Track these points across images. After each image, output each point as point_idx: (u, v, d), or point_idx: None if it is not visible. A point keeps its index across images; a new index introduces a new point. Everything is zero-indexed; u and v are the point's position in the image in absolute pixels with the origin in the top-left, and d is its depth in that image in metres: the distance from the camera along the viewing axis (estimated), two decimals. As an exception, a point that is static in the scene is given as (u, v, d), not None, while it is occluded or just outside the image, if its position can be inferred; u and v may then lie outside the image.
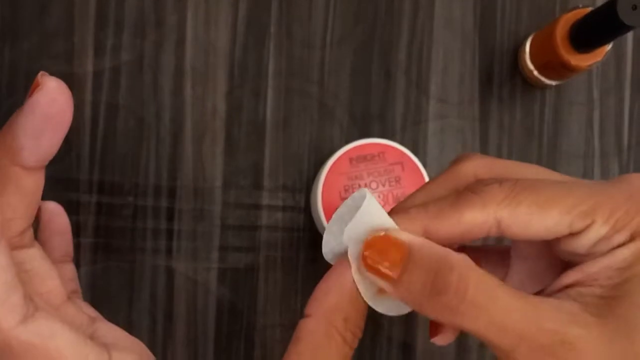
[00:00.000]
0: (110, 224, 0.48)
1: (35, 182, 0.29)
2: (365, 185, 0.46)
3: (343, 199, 0.46)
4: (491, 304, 0.23)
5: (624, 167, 0.52)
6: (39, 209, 0.37)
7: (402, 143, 0.47)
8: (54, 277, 0.31)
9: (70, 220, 0.47)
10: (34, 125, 0.27)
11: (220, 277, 0.48)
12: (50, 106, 0.27)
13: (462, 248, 0.33)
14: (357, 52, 0.50)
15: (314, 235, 0.49)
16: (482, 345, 0.50)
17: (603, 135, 0.52)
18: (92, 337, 0.30)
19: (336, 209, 0.46)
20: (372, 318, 0.49)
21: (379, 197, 0.46)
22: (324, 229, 0.46)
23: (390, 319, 0.49)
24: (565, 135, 0.52)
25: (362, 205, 0.26)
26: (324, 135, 0.50)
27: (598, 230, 0.25)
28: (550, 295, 0.26)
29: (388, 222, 0.26)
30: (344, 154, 0.46)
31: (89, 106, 0.48)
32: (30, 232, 0.30)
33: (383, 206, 0.47)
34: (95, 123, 0.48)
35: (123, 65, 0.48)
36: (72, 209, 0.47)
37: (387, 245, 0.25)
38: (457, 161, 0.29)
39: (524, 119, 0.51)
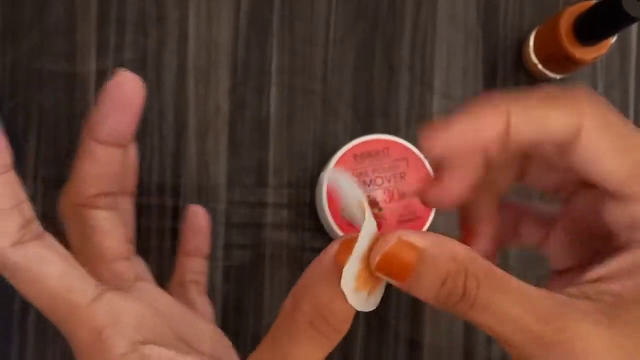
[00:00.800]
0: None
1: (107, 156, 0.34)
2: (371, 182, 0.46)
3: (348, 195, 0.46)
4: (502, 304, 0.23)
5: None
6: (187, 210, 0.45)
7: (406, 139, 0.47)
8: (115, 237, 0.35)
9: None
10: (104, 106, 0.33)
11: (226, 275, 0.48)
12: (117, 91, 0.32)
13: (508, 204, 0.32)
14: (360, 49, 0.50)
15: (320, 233, 0.49)
16: (490, 341, 0.50)
17: (608, 129, 0.52)
18: (119, 289, 0.33)
19: (341, 206, 0.46)
20: (379, 315, 0.49)
21: (384, 193, 0.46)
22: (329, 226, 0.46)
23: (398, 315, 0.49)
24: (570, 129, 0.51)
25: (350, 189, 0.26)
26: (328, 132, 0.49)
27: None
28: (567, 288, 0.26)
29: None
30: (349, 150, 0.46)
31: (92, 105, 0.47)
32: (107, 199, 0.35)
33: (389, 202, 0.47)
34: (99, 122, 0.48)
35: (126, 64, 0.48)
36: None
37: (402, 250, 0.24)
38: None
39: (528, 114, 0.51)
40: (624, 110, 0.52)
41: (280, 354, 0.26)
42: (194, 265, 0.44)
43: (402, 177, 0.46)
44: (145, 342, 0.31)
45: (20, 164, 0.39)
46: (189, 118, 0.48)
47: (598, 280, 0.25)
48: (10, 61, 0.47)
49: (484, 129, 0.26)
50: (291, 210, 0.49)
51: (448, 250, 0.24)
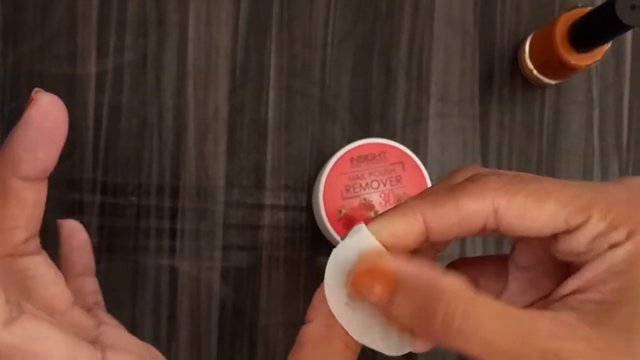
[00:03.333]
0: (113, 224, 0.48)
1: (36, 193, 0.29)
2: (367, 185, 0.47)
3: (344, 199, 0.46)
4: (480, 330, 0.23)
5: (624, 166, 0.52)
6: (59, 226, 0.39)
7: (402, 142, 0.47)
8: (59, 283, 0.31)
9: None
10: (29, 139, 0.28)
11: (223, 276, 0.49)
12: (44, 120, 0.28)
13: (461, 261, 0.33)
14: (358, 52, 0.50)
15: (316, 235, 0.49)
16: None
17: (603, 134, 0.52)
18: (94, 341, 0.31)
19: (337, 208, 0.46)
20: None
21: (380, 196, 0.47)
22: (325, 228, 0.46)
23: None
24: (565, 134, 0.52)
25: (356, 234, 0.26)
26: (326, 134, 0.50)
27: (595, 226, 0.25)
28: (549, 305, 0.26)
29: (380, 247, 0.26)
30: (345, 153, 0.47)
31: (92, 107, 0.48)
32: (36, 241, 0.31)
33: (384, 206, 0.48)
34: (99, 124, 0.48)
35: (126, 66, 0.48)
36: (75, 209, 0.48)
37: (376, 271, 0.25)
38: (453, 171, 0.29)
39: (524, 118, 0.52)
40: (618, 116, 0.52)
41: None
42: (88, 285, 0.39)
43: (398, 181, 0.47)
44: None
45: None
46: (188, 120, 0.49)
47: (576, 291, 0.25)
48: (12, 63, 0.48)
49: (404, 236, 0.26)
50: (288, 212, 0.49)
51: (428, 275, 0.24)
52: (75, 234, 0.39)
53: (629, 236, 0.24)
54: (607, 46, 0.46)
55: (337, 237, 0.46)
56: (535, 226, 0.25)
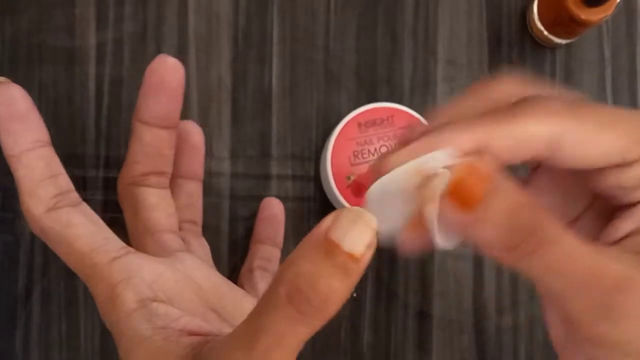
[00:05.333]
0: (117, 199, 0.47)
1: (152, 136, 0.37)
2: (375, 150, 0.46)
3: (353, 165, 0.45)
4: (571, 266, 0.22)
5: (639, 126, 0.51)
6: (262, 201, 0.47)
7: (411, 107, 0.46)
8: (162, 211, 0.38)
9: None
10: (144, 90, 0.36)
11: (231, 248, 0.48)
12: (154, 75, 0.36)
13: None
14: (362, 16, 0.49)
15: (325, 204, 0.48)
16: (500, 312, 0.49)
17: (616, 94, 0.51)
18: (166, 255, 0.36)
19: (346, 175, 0.45)
20: (388, 287, 0.48)
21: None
22: (334, 197, 0.45)
23: (406, 286, 0.48)
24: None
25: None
26: (332, 101, 0.49)
27: None
28: (605, 245, 0.25)
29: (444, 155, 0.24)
30: (352, 119, 0.46)
31: (92, 79, 0.47)
32: (157, 178, 0.38)
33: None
34: (100, 97, 0.47)
35: (126, 37, 0.47)
36: (78, 184, 0.46)
37: (474, 174, 0.23)
38: (486, 82, 0.27)
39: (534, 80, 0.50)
40: (631, 75, 0.51)
41: (257, 327, 0.24)
42: (263, 252, 0.45)
43: (407, 145, 0.46)
44: (155, 299, 0.31)
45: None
46: (191, 90, 0.48)
47: (632, 233, 0.24)
48: (9, 36, 0.47)
49: (530, 148, 0.25)
50: (295, 182, 0.48)
51: (521, 192, 0.23)
52: (270, 207, 0.47)
53: None
54: (619, -1, 0.45)
55: (347, 205, 0.45)
56: (592, 155, 0.24)
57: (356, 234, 0.22)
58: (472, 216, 0.23)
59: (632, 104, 0.51)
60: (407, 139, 0.26)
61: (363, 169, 0.45)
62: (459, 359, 0.49)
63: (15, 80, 0.47)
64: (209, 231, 0.47)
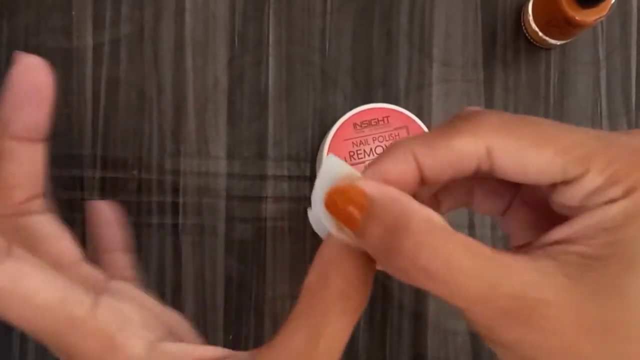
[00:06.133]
0: (115, 199, 0.47)
1: (30, 153, 0.31)
2: (371, 151, 0.46)
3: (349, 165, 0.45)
4: (447, 270, 0.22)
5: (633, 127, 0.51)
6: (89, 207, 0.40)
7: (406, 108, 0.46)
8: (65, 239, 0.32)
9: (74, 196, 0.47)
10: (13, 99, 0.29)
11: (228, 248, 0.48)
12: (25, 80, 0.29)
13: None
14: (358, 17, 0.49)
15: (321, 205, 0.48)
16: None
17: (610, 95, 0.51)
18: (101, 292, 0.29)
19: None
20: (383, 286, 0.49)
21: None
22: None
23: (401, 286, 0.49)
24: (572, 96, 0.51)
25: (328, 162, 0.25)
26: (327, 102, 0.49)
27: (592, 181, 0.23)
28: (530, 251, 0.24)
29: (354, 172, 0.25)
30: (348, 119, 0.46)
31: (89, 80, 0.47)
32: (40, 201, 0.31)
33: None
34: (97, 97, 0.47)
35: (123, 38, 0.48)
36: (75, 184, 0.47)
37: (351, 192, 0.24)
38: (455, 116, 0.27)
39: (529, 81, 0.51)
40: (625, 76, 0.51)
41: (313, 331, 0.25)
42: (117, 261, 0.39)
43: (402, 146, 0.46)
44: (161, 339, 0.30)
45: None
46: (188, 92, 0.48)
47: (561, 241, 0.24)
48: (7, 38, 0.47)
49: (395, 175, 0.24)
50: (292, 182, 0.49)
51: (399, 205, 0.23)
52: (99, 212, 0.40)
53: (626, 193, 0.23)
54: (613, 0, 0.45)
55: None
56: (531, 172, 0.24)
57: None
58: (351, 231, 0.24)
59: (626, 105, 0.51)
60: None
61: (359, 169, 0.45)
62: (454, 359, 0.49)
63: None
64: (206, 232, 0.48)
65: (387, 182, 0.24)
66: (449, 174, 0.25)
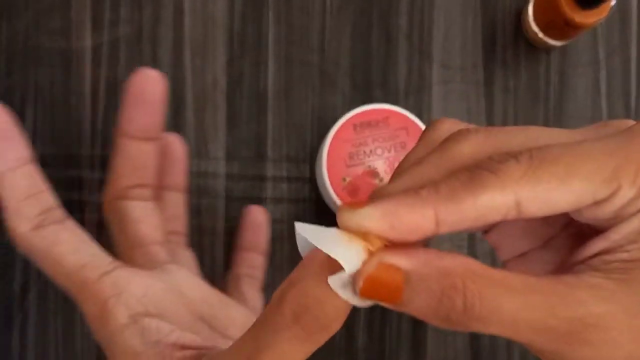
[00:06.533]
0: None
1: (136, 150, 0.37)
2: (371, 152, 0.46)
3: (348, 166, 0.45)
4: (500, 310, 0.22)
5: (633, 128, 0.51)
6: (245, 209, 0.47)
7: (405, 109, 0.46)
8: (148, 224, 0.37)
9: (73, 197, 0.47)
10: (127, 103, 0.36)
11: (227, 249, 0.48)
12: (136, 88, 0.36)
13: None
14: (357, 18, 0.49)
15: (320, 206, 0.48)
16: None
17: (610, 96, 0.51)
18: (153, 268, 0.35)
19: (341, 177, 0.45)
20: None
21: (385, 163, 0.46)
22: (330, 198, 0.45)
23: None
24: (571, 97, 0.51)
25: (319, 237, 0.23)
26: (327, 103, 0.49)
27: (625, 195, 0.23)
28: (571, 268, 0.24)
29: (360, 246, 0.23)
30: (348, 120, 0.46)
31: (88, 81, 0.47)
32: (142, 191, 0.38)
33: (389, 173, 0.47)
34: (96, 98, 0.47)
35: (121, 39, 0.48)
36: (74, 185, 0.47)
37: (385, 276, 0.22)
38: (449, 140, 0.26)
39: (529, 82, 0.51)
40: (625, 77, 0.51)
41: (260, 345, 0.24)
42: (250, 259, 0.46)
43: (402, 147, 0.46)
44: (147, 314, 0.31)
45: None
46: (186, 92, 0.48)
47: (601, 253, 0.24)
48: (6, 39, 0.47)
49: (410, 232, 0.23)
50: (291, 184, 0.49)
51: (437, 266, 0.22)
52: (254, 214, 0.46)
53: None
54: (613, 2, 0.45)
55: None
56: (560, 208, 0.23)
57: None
58: (399, 308, 0.23)
59: (626, 106, 0.51)
60: (372, 195, 0.25)
61: (359, 170, 0.46)
62: (453, 360, 0.49)
63: (12, 81, 0.47)
64: (205, 232, 0.48)
65: (395, 230, 0.23)
66: (469, 226, 0.24)
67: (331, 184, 0.45)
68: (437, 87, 0.50)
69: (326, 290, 0.23)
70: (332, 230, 0.23)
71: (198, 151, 0.48)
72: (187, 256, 0.42)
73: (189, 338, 0.30)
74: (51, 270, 0.33)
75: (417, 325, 0.49)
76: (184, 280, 0.36)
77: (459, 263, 0.22)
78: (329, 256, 0.22)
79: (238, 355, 0.25)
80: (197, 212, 0.48)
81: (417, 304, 0.22)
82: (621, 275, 0.23)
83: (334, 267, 0.22)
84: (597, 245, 0.24)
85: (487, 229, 0.29)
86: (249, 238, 0.46)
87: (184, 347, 0.30)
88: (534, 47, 0.51)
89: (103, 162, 0.47)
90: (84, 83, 0.47)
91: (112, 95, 0.47)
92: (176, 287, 0.34)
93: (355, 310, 0.47)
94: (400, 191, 0.23)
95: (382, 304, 0.23)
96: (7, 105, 0.36)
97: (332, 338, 0.49)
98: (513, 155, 0.23)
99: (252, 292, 0.44)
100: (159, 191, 0.42)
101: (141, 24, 0.48)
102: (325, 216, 0.48)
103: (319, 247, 0.23)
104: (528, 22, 0.49)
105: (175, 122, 0.48)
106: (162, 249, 0.38)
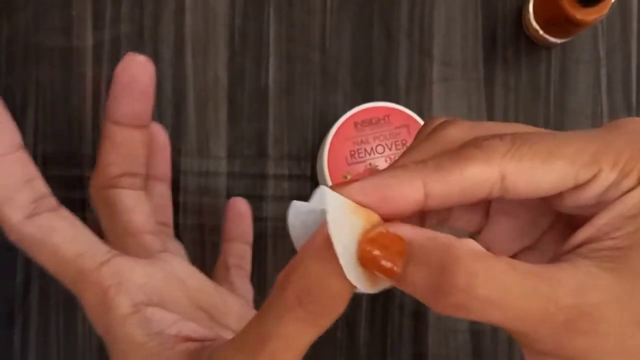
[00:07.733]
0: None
1: (125, 137, 0.35)
2: (372, 150, 0.46)
3: (349, 164, 0.45)
4: (504, 295, 0.22)
5: (633, 125, 0.51)
6: (229, 201, 0.46)
7: (406, 106, 0.46)
8: (139, 213, 0.37)
9: (75, 196, 0.47)
10: (115, 89, 0.35)
11: (228, 247, 0.48)
12: (125, 74, 0.34)
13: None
14: (358, 16, 0.49)
15: (321, 203, 0.48)
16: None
17: (611, 93, 0.51)
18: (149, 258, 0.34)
19: (342, 175, 0.46)
20: (383, 284, 0.49)
21: (386, 161, 0.46)
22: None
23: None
24: (572, 94, 0.51)
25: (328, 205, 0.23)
26: (328, 101, 0.49)
27: (607, 178, 0.23)
28: (561, 257, 0.24)
29: (373, 216, 0.24)
30: (349, 118, 0.46)
31: (89, 79, 0.47)
32: (131, 180, 0.36)
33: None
34: (97, 96, 0.47)
35: (123, 37, 0.48)
36: (76, 184, 0.47)
37: (386, 241, 0.23)
38: (438, 127, 0.27)
39: (530, 80, 0.51)
40: (626, 74, 0.51)
41: (264, 332, 0.24)
42: (237, 249, 0.45)
43: (403, 145, 0.46)
44: (149, 303, 0.31)
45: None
46: (188, 89, 0.48)
47: (588, 241, 0.24)
48: (6, 37, 0.47)
49: (400, 201, 0.23)
50: (292, 182, 0.49)
51: (440, 241, 0.22)
52: (238, 205, 0.46)
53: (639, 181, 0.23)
54: (613, -1, 0.45)
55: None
56: (544, 188, 0.24)
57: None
58: (395, 280, 0.23)
59: (627, 103, 0.51)
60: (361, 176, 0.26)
61: (360, 168, 0.46)
62: (454, 358, 0.49)
63: (13, 80, 0.47)
64: (207, 230, 0.48)
65: (386, 201, 0.23)
66: (456, 201, 0.24)
67: (332, 181, 0.45)
68: (438, 84, 0.50)
69: (327, 272, 0.23)
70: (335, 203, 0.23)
71: (199, 150, 0.48)
72: (177, 246, 0.42)
73: (191, 328, 0.30)
74: (47, 260, 0.31)
75: (419, 321, 0.49)
76: (181, 269, 0.35)
77: (463, 242, 0.22)
78: (328, 238, 0.22)
79: (243, 345, 0.25)
80: (198, 211, 0.48)
81: (417, 277, 0.22)
82: (612, 264, 0.23)
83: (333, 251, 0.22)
84: (584, 232, 0.24)
85: (479, 230, 0.29)
86: (234, 229, 0.46)
87: (187, 338, 0.29)
88: (534, 45, 0.51)
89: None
90: (85, 81, 0.47)
91: (113, 93, 0.47)
92: (175, 276, 0.34)
93: (357, 306, 0.48)
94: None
95: (381, 275, 0.23)
96: (7, 102, 0.36)
97: (334, 333, 0.49)
98: (498, 136, 0.24)
99: (242, 282, 0.44)
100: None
101: (142, 21, 0.48)
102: (327, 214, 0.48)
103: (325, 209, 0.22)
104: (529, 19, 0.49)
105: (176, 119, 0.48)
106: (155, 238, 0.37)
